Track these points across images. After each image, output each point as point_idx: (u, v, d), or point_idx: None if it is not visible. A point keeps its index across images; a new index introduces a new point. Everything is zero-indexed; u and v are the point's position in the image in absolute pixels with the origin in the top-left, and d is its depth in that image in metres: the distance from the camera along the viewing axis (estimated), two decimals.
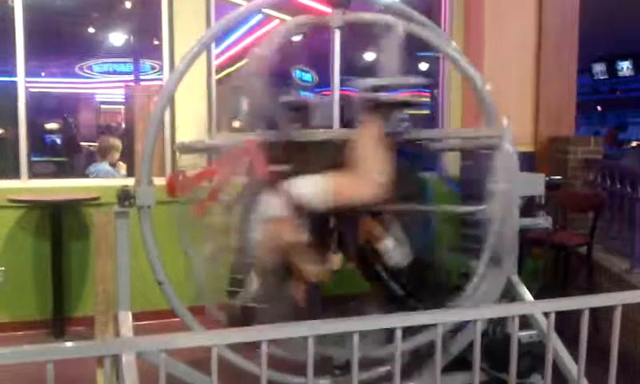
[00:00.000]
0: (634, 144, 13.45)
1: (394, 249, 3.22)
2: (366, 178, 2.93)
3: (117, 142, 6.29)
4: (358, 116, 3.11)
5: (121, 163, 6.28)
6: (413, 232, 3.30)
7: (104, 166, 5.96)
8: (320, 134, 3.25)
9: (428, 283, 3.29)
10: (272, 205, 2.96)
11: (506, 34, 5.99)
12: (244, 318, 3.04)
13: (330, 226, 3.31)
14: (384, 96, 3.11)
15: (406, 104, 3.31)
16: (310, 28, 3.84)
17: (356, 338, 1.97)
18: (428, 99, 8.27)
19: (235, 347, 3.11)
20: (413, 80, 3.39)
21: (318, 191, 2.96)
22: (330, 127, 3.37)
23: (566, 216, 5.44)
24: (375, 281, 3.33)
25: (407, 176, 3.31)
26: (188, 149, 3.62)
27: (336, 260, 3.34)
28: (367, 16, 3.54)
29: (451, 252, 3.87)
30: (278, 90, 3.44)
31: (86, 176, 5.99)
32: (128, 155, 6.46)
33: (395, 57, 3.16)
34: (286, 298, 3.04)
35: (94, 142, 8.30)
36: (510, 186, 3.25)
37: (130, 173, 5.92)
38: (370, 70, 3.32)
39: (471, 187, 3.51)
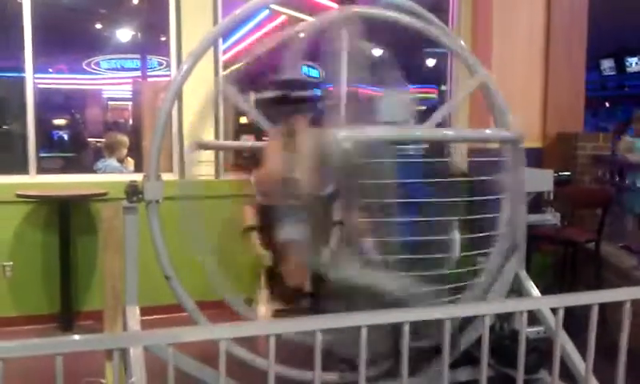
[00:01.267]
0: None
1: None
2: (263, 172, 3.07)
3: (124, 138, 6.30)
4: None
5: (129, 159, 6.29)
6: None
7: (112, 162, 5.96)
8: None
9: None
10: None
11: (514, 30, 5.97)
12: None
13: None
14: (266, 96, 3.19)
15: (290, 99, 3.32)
16: (320, 30, 3.85)
17: (364, 332, 1.97)
18: (434, 95, 8.27)
19: (243, 341, 3.12)
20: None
21: None
22: None
23: (574, 212, 5.41)
24: None
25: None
26: (204, 146, 3.63)
27: None
28: (374, 12, 3.55)
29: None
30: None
31: (94, 172, 6.00)
32: (136, 151, 6.48)
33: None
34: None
35: (102, 137, 8.31)
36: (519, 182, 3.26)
37: (138, 168, 5.94)
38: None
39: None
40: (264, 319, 3.22)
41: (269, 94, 3.34)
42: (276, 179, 3.04)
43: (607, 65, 17.17)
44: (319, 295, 3.17)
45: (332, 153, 3.02)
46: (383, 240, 3.17)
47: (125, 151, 6.18)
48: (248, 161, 3.32)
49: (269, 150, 3.18)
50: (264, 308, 3.28)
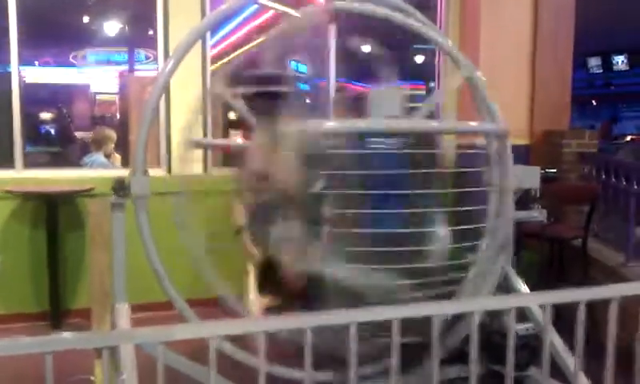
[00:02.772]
0: (629, 138, 13.48)
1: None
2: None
3: (112, 133, 6.26)
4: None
5: (116, 154, 6.26)
6: None
7: (99, 157, 5.93)
8: None
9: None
10: None
11: (501, 29, 5.99)
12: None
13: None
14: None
15: (269, 95, 3.33)
16: (307, 26, 3.84)
17: (353, 329, 1.97)
18: (422, 92, 8.28)
19: (233, 339, 3.12)
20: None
21: None
22: None
23: (561, 209, 5.45)
24: None
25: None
26: (197, 145, 3.62)
27: None
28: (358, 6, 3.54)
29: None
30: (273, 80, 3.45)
31: (81, 167, 5.96)
32: (123, 146, 6.44)
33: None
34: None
35: (89, 132, 8.25)
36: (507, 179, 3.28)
37: (126, 164, 5.90)
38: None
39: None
40: (254, 316, 3.23)
41: (249, 89, 3.34)
42: (259, 176, 3.04)
43: (594, 63, 17.29)
44: (311, 293, 3.17)
45: (315, 146, 3.01)
46: (368, 233, 3.17)
47: (112, 146, 6.14)
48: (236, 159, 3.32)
49: (253, 146, 3.18)
50: (254, 305, 3.29)
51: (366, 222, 3.19)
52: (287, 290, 3.26)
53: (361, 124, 3.27)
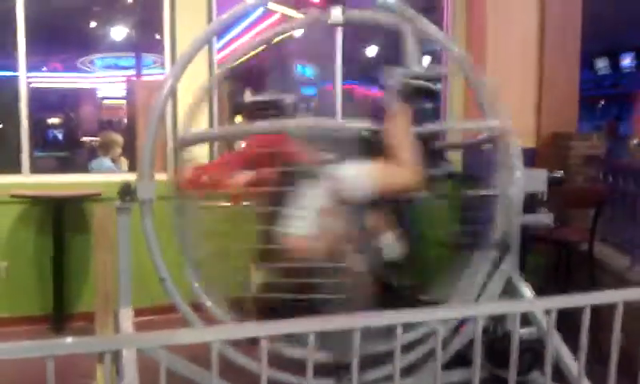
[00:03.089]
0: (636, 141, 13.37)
1: (393, 243, 3.21)
2: (406, 166, 2.93)
3: (118, 137, 6.29)
4: (388, 105, 3.11)
5: (123, 159, 6.28)
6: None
7: (106, 161, 5.96)
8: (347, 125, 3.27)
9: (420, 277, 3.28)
10: (315, 195, 2.93)
11: (508, 29, 5.96)
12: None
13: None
14: (415, 83, 3.13)
15: (431, 92, 3.30)
16: (309, 26, 3.85)
17: (357, 335, 1.97)
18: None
19: (236, 344, 3.11)
20: (441, 69, 3.40)
21: (362, 178, 2.93)
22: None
23: (568, 212, 5.42)
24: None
25: None
26: (191, 141, 3.62)
27: None
28: (367, 14, 3.55)
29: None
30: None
31: (88, 171, 5.99)
32: (129, 150, 6.46)
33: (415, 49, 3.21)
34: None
35: (96, 136, 8.29)
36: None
37: (132, 168, 5.92)
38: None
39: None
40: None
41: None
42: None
43: (601, 63, 17.21)
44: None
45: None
46: None
47: (119, 150, 6.17)
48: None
49: (402, 139, 3.02)
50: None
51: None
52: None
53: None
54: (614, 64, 17.09)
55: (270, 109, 3.35)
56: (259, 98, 3.45)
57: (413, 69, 3.21)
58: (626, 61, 16.76)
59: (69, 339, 1.77)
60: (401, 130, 3.00)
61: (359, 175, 2.93)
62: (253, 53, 3.95)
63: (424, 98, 3.20)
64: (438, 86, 3.33)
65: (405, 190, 3.03)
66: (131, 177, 3.28)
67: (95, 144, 7.11)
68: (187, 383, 3.10)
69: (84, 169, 6.48)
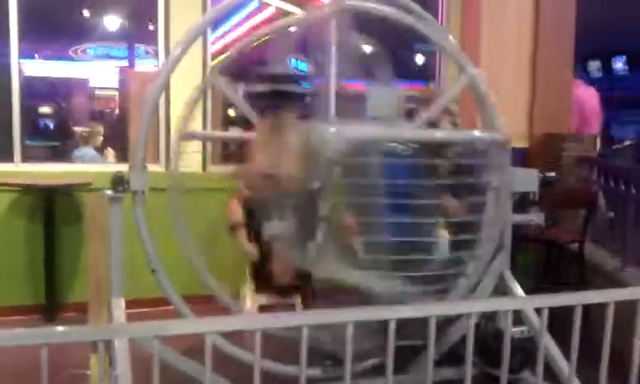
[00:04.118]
0: (628, 143, 13.46)
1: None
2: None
3: (97, 128, 6.45)
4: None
5: (109, 149, 6.32)
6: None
7: (89, 150, 6.03)
8: None
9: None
10: None
11: (502, 30, 5.98)
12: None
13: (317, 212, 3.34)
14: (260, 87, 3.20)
15: (278, 93, 3.32)
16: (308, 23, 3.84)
17: (350, 329, 1.97)
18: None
19: (227, 334, 3.12)
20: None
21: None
22: None
23: (559, 213, 5.45)
24: None
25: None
26: (191, 137, 3.62)
27: None
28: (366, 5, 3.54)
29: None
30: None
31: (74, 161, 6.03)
32: (121, 141, 6.45)
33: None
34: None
35: (87, 127, 8.28)
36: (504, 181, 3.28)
37: (124, 158, 5.90)
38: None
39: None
40: (250, 313, 3.23)
41: (259, 87, 3.34)
42: (262, 174, 3.05)
43: (594, 67, 17.31)
44: (306, 291, 3.17)
45: (320, 149, 3.00)
46: (370, 238, 3.17)
47: (100, 138, 6.26)
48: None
49: (255, 144, 3.18)
50: (250, 302, 3.29)
51: (376, 228, 3.19)
52: (278, 286, 3.27)
53: (382, 132, 3.27)
54: (607, 68, 17.20)
55: (285, 82, 3.33)
56: (278, 70, 3.41)
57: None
58: (619, 65, 16.86)
59: (63, 328, 1.76)
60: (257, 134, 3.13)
61: None
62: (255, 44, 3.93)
63: (274, 100, 3.24)
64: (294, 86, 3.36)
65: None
66: (121, 167, 3.27)
67: (77, 134, 7.16)
68: (179, 376, 3.09)
69: (72, 159, 6.49)
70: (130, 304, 3.09)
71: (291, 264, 3.19)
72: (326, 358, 3.20)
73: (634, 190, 4.65)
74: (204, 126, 5.32)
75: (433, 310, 2.17)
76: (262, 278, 3.34)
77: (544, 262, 5.16)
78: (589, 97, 6.35)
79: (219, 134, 5.91)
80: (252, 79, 3.61)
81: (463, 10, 6.13)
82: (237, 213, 3.32)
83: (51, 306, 4.90)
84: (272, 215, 3.14)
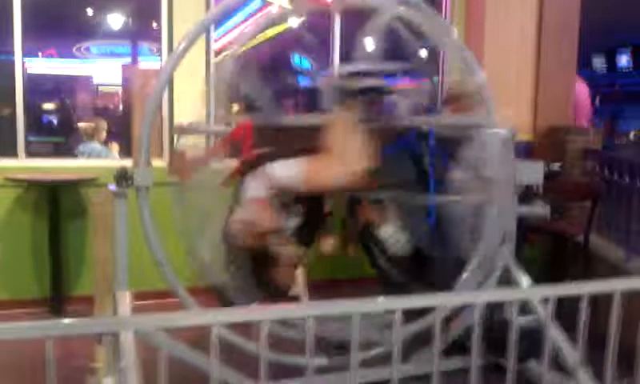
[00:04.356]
0: (632, 136, 13.44)
1: (392, 236, 3.23)
2: (338, 163, 2.96)
3: (101, 123, 6.45)
4: (333, 102, 3.14)
5: (113, 143, 6.33)
6: (414, 220, 3.31)
7: (94, 144, 6.04)
8: (295, 120, 3.29)
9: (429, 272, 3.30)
10: (252, 187, 3.03)
11: (506, 22, 5.97)
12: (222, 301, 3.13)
13: (323, 210, 3.33)
14: (354, 83, 3.14)
15: (379, 91, 3.28)
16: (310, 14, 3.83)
17: (356, 319, 1.97)
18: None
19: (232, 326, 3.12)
20: (392, 66, 3.38)
21: (291, 175, 3.01)
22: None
23: (564, 205, 5.44)
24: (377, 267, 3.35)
25: (401, 164, 3.32)
26: (186, 130, 3.63)
27: (328, 244, 3.36)
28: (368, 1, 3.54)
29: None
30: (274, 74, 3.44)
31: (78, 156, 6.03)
32: (125, 137, 6.47)
33: (378, 42, 3.19)
34: (261, 283, 3.11)
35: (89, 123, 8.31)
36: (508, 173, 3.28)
37: (126, 153, 5.93)
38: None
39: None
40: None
41: (356, 83, 3.24)
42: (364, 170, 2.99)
43: (598, 62, 17.27)
44: None
45: None
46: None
47: (104, 133, 6.28)
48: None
49: (331, 139, 3.04)
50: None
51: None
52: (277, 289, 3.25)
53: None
54: (611, 63, 17.15)
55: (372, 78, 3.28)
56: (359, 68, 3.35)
57: (350, 67, 3.23)
58: (623, 59, 16.81)
59: (68, 320, 1.77)
60: (339, 127, 3.03)
61: (289, 172, 3.02)
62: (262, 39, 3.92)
63: (366, 95, 3.19)
64: (385, 81, 3.32)
65: (333, 186, 3.09)
66: (125, 162, 3.27)
67: (81, 130, 7.17)
68: (185, 368, 3.09)
69: (76, 154, 6.50)
70: (135, 296, 3.09)
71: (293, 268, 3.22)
72: (332, 348, 3.20)
73: (639, 182, 4.64)
74: (207, 121, 5.31)
75: (439, 300, 2.16)
76: (265, 282, 3.30)
77: (549, 253, 5.15)
78: (577, 93, 6.34)
79: (205, 127, 5.84)
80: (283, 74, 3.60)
81: (468, 3, 6.12)
82: (268, 218, 3.08)
83: (57, 299, 4.92)
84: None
